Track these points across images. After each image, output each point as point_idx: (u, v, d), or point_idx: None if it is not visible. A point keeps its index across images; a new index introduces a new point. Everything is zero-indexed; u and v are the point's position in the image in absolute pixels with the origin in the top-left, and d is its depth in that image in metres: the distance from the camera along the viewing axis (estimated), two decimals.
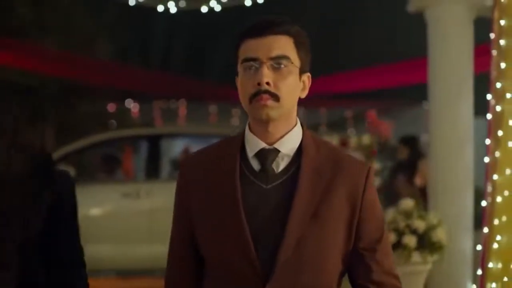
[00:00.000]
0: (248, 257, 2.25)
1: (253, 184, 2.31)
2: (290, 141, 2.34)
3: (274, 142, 2.32)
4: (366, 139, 9.00)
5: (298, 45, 2.33)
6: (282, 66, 2.29)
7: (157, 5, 8.26)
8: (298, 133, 2.37)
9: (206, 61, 18.40)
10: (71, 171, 9.27)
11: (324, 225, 2.28)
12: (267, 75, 2.26)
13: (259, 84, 2.26)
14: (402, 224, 6.46)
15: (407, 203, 6.58)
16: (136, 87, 15.13)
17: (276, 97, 2.27)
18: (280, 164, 2.33)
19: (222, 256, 2.30)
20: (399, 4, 8.43)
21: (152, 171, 9.53)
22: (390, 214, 6.63)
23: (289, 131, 2.34)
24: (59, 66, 13.05)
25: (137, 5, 8.24)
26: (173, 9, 8.28)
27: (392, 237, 6.44)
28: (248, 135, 2.36)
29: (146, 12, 9.05)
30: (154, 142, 9.71)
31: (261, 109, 2.26)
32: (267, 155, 2.32)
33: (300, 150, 2.34)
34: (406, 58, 11.36)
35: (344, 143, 8.96)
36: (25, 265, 2.78)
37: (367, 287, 2.34)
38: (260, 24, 2.32)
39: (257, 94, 2.27)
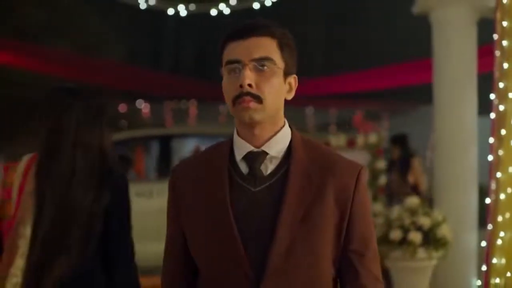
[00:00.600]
0: (239, 262, 2.19)
1: (242, 187, 2.25)
2: (278, 143, 2.27)
3: (262, 145, 2.26)
4: (372, 138, 9.01)
5: (282, 47, 2.26)
6: (265, 67, 2.22)
7: (167, 8, 8.28)
8: (287, 134, 2.30)
9: (215, 62, 18.42)
10: None
11: (314, 229, 2.21)
12: (249, 76, 2.19)
13: (241, 86, 2.19)
14: (407, 221, 6.49)
15: (413, 200, 6.61)
16: (147, 88, 15.17)
17: (258, 99, 2.20)
18: (269, 167, 2.27)
19: (213, 261, 2.25)
20: (406, 6, 8.45)
21: (164, 171, 9.57)
22: (395, 211, 6.66)
23: (276, 133, 2.28)
24: (70, 68, 13.06)
25: (148, 8, 8.26)
26: (183, 12, 8.30)
27: (398, 234, 6.47)
28: (236, 138, 2.30)
29: (156, 14, 9.08)
30: (166, 142, 9.74)
31: (244, 111, 2.19)
32: (255, 158, 2.26)
33: (289, 152, 2.28)
34: (414, 58, 11.38)
35: (351, 143, 8.96)
36: (85, 252, 2.97)
37: None
38: (243, 27, 2.27)
39: (240, 96, 2.19)
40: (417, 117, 16.09)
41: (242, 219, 2.21)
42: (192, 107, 16.37)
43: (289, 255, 2.19)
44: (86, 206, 3.00)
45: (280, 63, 2.25)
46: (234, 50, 2.23)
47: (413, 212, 6.50)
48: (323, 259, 2.23)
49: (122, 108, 16.86)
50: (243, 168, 2.27)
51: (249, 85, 2.18)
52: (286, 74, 2.28)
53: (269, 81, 2.21)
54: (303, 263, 2.20)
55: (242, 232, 2.20)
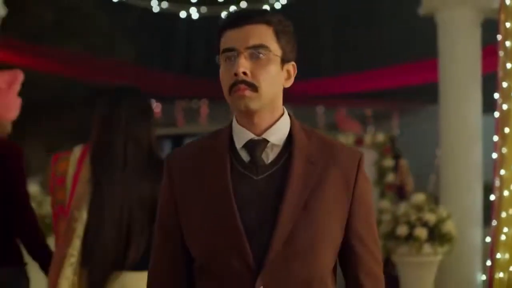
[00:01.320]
0: (241, 251, 2.12)
1: (244, 176, 2.18)
2: (278, 130, 2.21)
3: (262, 133, 2.19)
4: (380, 137, 9.05)
5: (278, 34, 2.19)
6: (261, 55, 2.15)
7: (179, 11, 8.33)
8: (286, 122, 2.23)
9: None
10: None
11: (316, 216, 2.15)
12: (243, 64, 2.13)
13: (236, 74, 2.13)
14: (413, 217, 6.53)
15: (419, 197, 6.65)
16: (158, 88, 15.17)
17: (254, 87, 2.13)
18: (270, 155, 2.20)
19: (213, 250, 2.16)
20: (413, 7, 8.47)
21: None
22: (402, 207, 6.69)
23: (276, 121, 2.21)
24: (82, 69, 13.15)
25: (161, 11, 8.32)
26: (194, 15, 8.35)
27: (404, 230, 6.51)
28: (235, 126, 2.22)
29: (167, 16, 9.13)
30: (178, 141, 9.79)
31: (240, 99, 2.13)
32: (255, 146, 2.19)
33: (289, 139, 2.22)
34: (422, 58, 11.39)
35: (359, 141, 8.99)
36: (149, 240, 3.17)
37: (358, 276, 2.23)
38: (239, 14, 2.22)
39: (235, 84, 2.13)
40: (426, 116, 16.08)
41: (244, 208, 2.14)
42: (204, 107, 16.33)
43: (290, 241, 2.13)
44: (144, 192, 3.30)
45: (276, 50, 2.18)
46: (230, 38, 2.17)
47: (419, 208, 6.54)
48: (324, 246, 2.17)
49: None
50: (244, 156, 2.20)
51: (244, 73, 2.13)
52: (284, 62, 2.21)
53: (265, 69, 2.15)
54: (304, 251, 2.14)
55: (244, 221, 2.13)
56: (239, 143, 2.20)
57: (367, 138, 9.03)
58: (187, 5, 8.17)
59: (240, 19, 2.17)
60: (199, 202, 2.19)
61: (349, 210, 2.20)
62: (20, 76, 4.29)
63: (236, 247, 2.12)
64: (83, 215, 3.29)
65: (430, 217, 6.50)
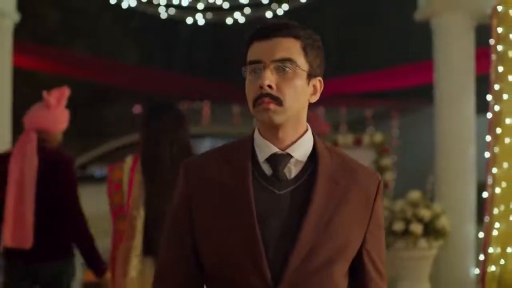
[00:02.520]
0: (258, 264, 2.05)
1: (266, 189, 2.11)
2: (302, 146, 2.15)
3: (286, 148, 2.13)
4: (378, 137, 9.09)
5: (306, 48, 2.12)
6: (287, 69, 2.08)
7: (186, 17, 8.36)
8: (310, 139, 2.17)
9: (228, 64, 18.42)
10: (105, 170, 9.50)
11: (335, 235, 2.10)
12: (269, 77, 2.07)
13: (261, 87, 2.07)
14: (409, 213, 6.59)
15: (414, 194, 6.71)
16: (161, 89, 15.13)
17: (278, 101, 2.07)
18: (292, 170, 2.13)
19: (229, 263, 2.08)
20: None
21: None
22: (398, 204, 6.75)
23: (300, 136, 2.15)
24: (88, 70, 13.17)
25: (168, 17, 8.36)
26: (201, 21, 8.38)
27: (400, 225, 6.57)
28: (259, 139, 2.16)
29: (171, 19, 9.13)
30: None
31: (264, 113, 2.08)
32: (279, 160, 2.12)
33: (311, 156, 2.15)
34: (421, 60, 11.43)
35: (358, 141, 9.03)
36: None
37: None
38: (267, 26, 2.14)
39: (260, 97, 2.08)
40: (425, 116, 16.08)
41: (265, 222, 2.07)
42: (206, 108, 16.24)
43: (308, 259, 2.06)
44: None
45: (303, 65, 2.12)
46: (257, 50, 2.11)
47: (415, 204, 6.60)
48: (340, 265, 2.12)
49: (137, 109, 16.77)
50: (266, 169, 2.13)
51: (269, 86, 2.07)
52: (310, 76, 2.14)
53: (291, 83, 2.09)
54: (322, 268, 2.08)
55: (264, 235, 2.06)
56: (261, 156, 2.14)
57: (366, 138, 9.07)
58: (193, 11, 8.20)
59: (268, 31, 2.12)
60: (217, 212, 2.11)
61: (365, 232, 2.16)
62: (66, 92, 4.73)
63: (253, 260, 2.05)
64: (141, 213, 3.81)
65: (425, 213, 6.57)
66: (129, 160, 3.99)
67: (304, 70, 2.11)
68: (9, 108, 7.55)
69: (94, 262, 4.61)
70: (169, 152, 3.83)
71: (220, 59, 19.39)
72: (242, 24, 8.53)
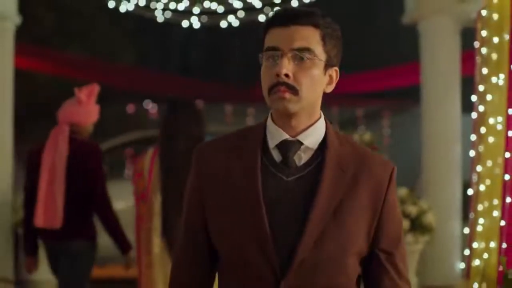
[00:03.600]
0: (266, 253, 1.99)
1: (274, 176, 2.04)
2: (313, 134, 2.06)
3: (297, 135, 2.05)
4: (367, 136, 9.15)
5: (325, 38, 2.04)
6: (304, 58, 2.00)
7: (182, 20, 8.41)
8: (322, 127, 2.09)
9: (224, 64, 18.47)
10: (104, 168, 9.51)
11: (344, 223, 2.00)
12: (286, 66, 1.99)
13: (277, 75, 1.99)
14: None
15: (402, 191, 6.77)
16: (156, 89, 15.11)
17: (294, 90, 1.99)
18: (302, 157, 2.05)
19: (237, 250, 2.03)
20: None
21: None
22: None
23: (312, 124, 2.07)
24: (84, 71, 13.14)
25: (165, 21, 8.40)
26: (196, 24, 8.43)
27: None
28: (271, 125, 2.09)
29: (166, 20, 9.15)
30: None
31: (279, 101, 2.00)
32: (289, 147, 2.05)
33: (322, 144, 2.07)
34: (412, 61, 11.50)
35: None
36: None
37: None
38: (287, 13, 2.06)
39: (276, 85, 2.00)
40: (416, 115, 16.12)
41: (272, 208, 2.01)
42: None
43: (316, 247, 1.99)
44: None
45: (321, 54, 2.04)
46: (275, 36, 2.03)
47: (402, 201, 6.66)
48: (350, 255, 2.02)
49: (130, 108, 16.71)
50: (276, 156, 2.06)
51: (286, 75, 1.99)
52: (327, 66, 2.07)
53: (308, 73, 2.01)
54: (330, 257, 2.00)
55: (271, 221, 2.00)
56: (272, 143, 2.07)
57: (355, 137, 9.11)
58: (189, 15, 8.24)
59: (287, 18, 2.03)
60: (227, 198, 2.06)
61: (378, 223, 2.06)
62: (96, 89, 5.10)
63: (261, 248, 1.99)
64: (158, 197, 4.35)
65: (412, 210, 6.64)
66: (150, 151, 4.49)
67: (321, 60, 2.04)
68: (11, 110, 7.61)
69: (120, 241, 5.04)
70: (184, 145, 4.23)
71: (214, 60, 19.42)
72: (235, 27, 8.61)
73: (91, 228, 5.01)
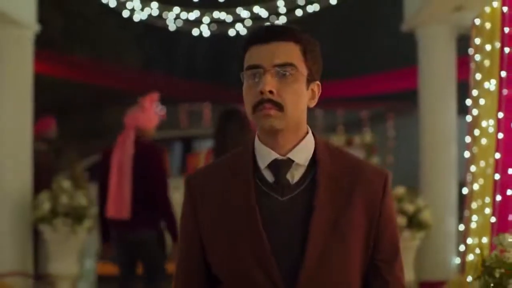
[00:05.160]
0: (270, 274, 1.93)
1: (269, 196, 1.98)
2: (303, 150, 2.00)
3: (287, 153, 1.99)
4: (368, 138, 9.22)
5: (306, 53, 1.99)
6: (287, 73, 1.94)
7: (192, 29, 8.49)
8: (311, 142, 2.03)
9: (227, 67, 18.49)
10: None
11: (344, 237, 1.95)
12: (270, 83, 1.93)
13: (261, 93, 1.93)
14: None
15: (400, 189, 6.83)
16: (163, 92, 15.06)
17: (279, 106, 1.94)
18: (295, 175, 1.99)
19: (240, 273, 1.96)
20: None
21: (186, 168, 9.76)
22: None
23: (300, 141, 2.01)
24: (90, 74, 13.22)
25: (176, 30, 8.49)
26: (206, 32, 8.51)
27: None
28: (259, 146, 2.02)
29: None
30: (187, 144, 9.89)
31: (264, 118, 1.95)
32: (280, 166, 1.98)
33: (314, 159, 2.01)
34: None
35: (349, 142, 9.14)
36: None
37: None
38: (266, 30, 2.00)
39: (260, 103, 1.94)
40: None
41: (271, 229, 1.95)
42: (206, 110, 16.15)
43: (320, 265, 1.93)
44: None
45: (303, 69, 1.98)
46: (256, 54, 1.97)
47: (400, 199, 6.72)
48: (352, 268, 1.98)
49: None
50: (268, 176, 2.00)
51: (270, 92, 1.94)
52: (309, 81, 2.01)
53: (291, 88, 1.96)
54: (334, 273, 1.95)
55: (272, 242, 1.94)
56: (263, 163, 2.01)
57: (357, 139, 9.19)
58: (199, 23, 8.33)
59: (267, 35, 1.98)
60: (224, 223, 1.99)
61: (376, 232, 2.00)
62: (156, 97, 5.69)
63: (263, 269, 1.93)
64: None
65: (409, 207, 6.70)
66: (204, 151, 5.15)
67: (303, 75, 1.99)
68: (31, 115, 7.64)
69: (175, 233, 5.44)
70: (233, 147, 4.70)
71: (220, 64, 19.42)
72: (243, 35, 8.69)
73: (155, 219, 5.52)
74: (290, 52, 1.96)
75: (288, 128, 1.98)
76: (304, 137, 2.03)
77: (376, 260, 2.01)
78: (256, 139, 2.04)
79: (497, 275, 2.89)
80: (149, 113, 5.65)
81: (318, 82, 2.05)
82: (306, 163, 2.00)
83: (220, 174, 2.05)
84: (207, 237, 2.02)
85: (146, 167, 5.51)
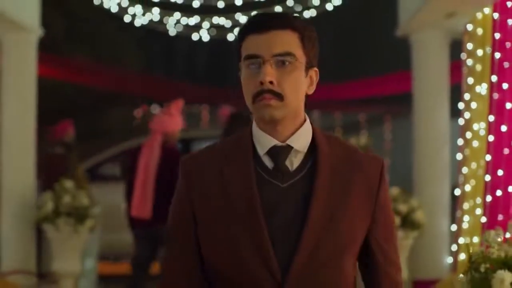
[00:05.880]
0: (266, 259, 1.90)
1: (270, 183, 1.94)
2: (302, 137, 1.97)
3: (285, 139, 1.96)
4: (363, 140, 9.26)
5: (303, 40, 1.95)
6: (287, 63, 1.91)
7: (192, 33, 8.54)
8: (309, 129, 2.00)
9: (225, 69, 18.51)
10: (116, 170, 9.69)
11: (341, 225, 1.93)
12: (270, 73, 1.89)
13: (261, 83, 1.90)
14: None
15: (394, 190, 6.88)
16: (162, 94, 15.08)
17: (280, 96, 1.91)
18: (294, 162, 1.96)
19: (237, 260, 1.92)
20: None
21: None
22: None
23: (299, 127, 1.98)
24: (91, 77, 13.26)
25: (177, 34, 8.54)
26: (205, 37, 8.55)
27: None
28: (257, 132, 1.99)
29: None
30: (187, 146, 9.95)
31: (265, 108, 1.91)
32: (280, 153, 1.95)
33: (312, 147, 1.98)
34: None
35: None
36: None
37: (379, 283, 2.02)
38: (263, 18, 1.95)
39: (260, 93, 1.91)
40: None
41: (271, 215, 1.92)
42: (204, 112, 16.15)
43: (316, 252, 1.91)
44: None
45: (301, 57, 1.95)
46: (254, 44, 1.93)
47: (394, 199, 6.76)
48: (348, 255, 1.96)
49: (138, 113, 16.68)
50: (267, 162, 1.97)
51: (270, 82, 1.90)
52: (307, 68, 1.97)
53: (290, 77, 1.92)
54: (330, 260, 1.93)
55: (270, 228, 1.91)
56: (262, 150, 1.98)
57: (352, 141, 9.22)
58: (198, 28, 8.38)
59: (264, 24, 1.93)
60: (221, 209, 1.94)
61: (372, 217, 1.99)
62: (181, 103, 6.07)
63: (261, 255, 1.90)
64: None
65: (403, 207, 6.75)
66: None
67: (302, 63, 1.95)
68: (34, 118, 7.71)
69: None
70: None
71: (219, 67, 19.44)
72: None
73: None
74: (288, 40, 1.93)
75: (287, 116, 1.95)
76: (302, 124, 2.00)
77: (371, 245, 2.01)
78: (254, 126, 2.01)
79: (482, 270, 2.98)
80: (175, 118, 6.02)
81: (316, 69, 2.02)
82: (305, 150, 1.98)
83: (218, 160, 1.99)
84: (203, 222, 1.97)
85: (171, 170, 5.71)
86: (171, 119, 5.99)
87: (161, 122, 5.96)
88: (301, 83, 1.96)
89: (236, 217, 1.92)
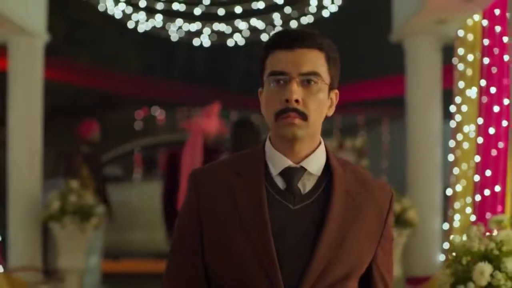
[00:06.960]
0: (274, 282, 1.83)
1: (280, 204, 1.88)
2: (316, 160, 1.92)
3: (300, 161, 1.90)
4: (359, 141, 9.30)
5: (329, 61, 1.90)
6: (312, 82, 1.85)
7: (193, 39, 8.60)
8: (323, 152, 1.95)
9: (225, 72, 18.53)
10: (118, 171, 9.75)
11: (351, 250, 1.89)
12: (296, 92, 1.83)
13: (287, 101, 1.84)
14: None
15: None
16: (162, 96, 15.08)
17: (304, 116, 1.85)
18: (307, 184, 1.90)
19: (242, 275, 1.86)
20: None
21: None
22: None
23: (314, 150, 1.92)
24: (92, 79, 13.28)
25: (178, 40, 8.60)
26: (206, 42, 8.62)
27: None
28: (271, 151, 1.92)
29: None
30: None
31: (288, 127, 1.85)
32: (293, 174, 1.89)
33: (325, 170, 1.92)
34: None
35: (341, 145, 9.22)
36: None
37: None
38: (290, 35, 1.89)
39: (285, 111, 1.84)
40: None
41: (280, 237, 1.86)
42: None
43: (324, 276, 1.86)
44: None
45: (326, 78, 1.90)
46: (281, 60, 1.87)
47: None
48: (354, 281, 1.93)
49: (139, 114, 16.69)
50: (280, 183, 1.91)
51: (296, 101, 1.84)
52: (330, 89, 1.93)
53: (315, 97, 1.87)
54: (336, 285, 1.88)
55: (279, 250, 1.85)
56: (275, 170, 1.92)
57: (348, 143, 9.27)
58: (199, 34, 8.44)
59: (292, 41, 1.88)
60: (231, 225, 1.88)
61: (378, 244, 1.96)
62: (219, 106, 6.43)
63: (268, 277, 1.84)
64: None
65: (396, 207, 6.80)
66: (223, 155, 5.64)
67: (327, 84, 1.91)
68: (40, 122, 7.78)
69: None
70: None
71: (218, 71, 19.48)
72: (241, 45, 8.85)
73: None
74: (315, 60, 1.88)
75: (307, 137, 1.90)
76: (318, 146, 1.95)
77: (373, 270, 1.97)
78: (268, 144, 1.95)
79: (464, 262, 3.08)
80: (214, 119, 6.37)
81: (336, 91, 1.98)
82: (319, 173, 1.93)
83: (229, 175, 1.93)
84: (210, 236, 1.91)
85: None
86: (210, 121, 6.34)
87: (200, 124, 6.32)
88: (324, 104, 1.91)
89: (245, 234, 1.87)
